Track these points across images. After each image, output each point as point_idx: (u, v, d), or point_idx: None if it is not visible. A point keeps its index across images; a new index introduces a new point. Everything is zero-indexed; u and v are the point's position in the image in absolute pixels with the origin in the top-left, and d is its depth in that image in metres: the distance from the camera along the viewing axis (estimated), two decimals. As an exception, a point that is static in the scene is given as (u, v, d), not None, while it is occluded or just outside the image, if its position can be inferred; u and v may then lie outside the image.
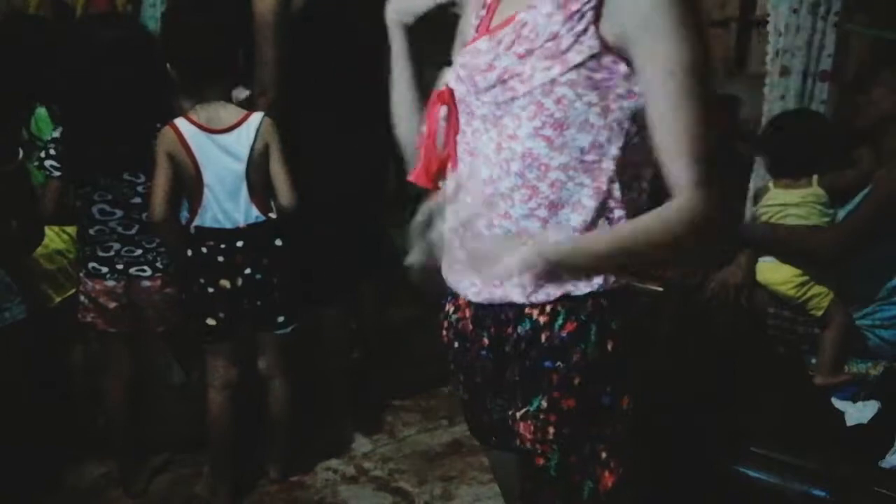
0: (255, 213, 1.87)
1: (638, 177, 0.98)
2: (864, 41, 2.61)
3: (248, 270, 1.89)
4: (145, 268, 1.95)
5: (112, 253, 1.92)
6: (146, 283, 1.95)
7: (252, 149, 1.84)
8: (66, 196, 1.92)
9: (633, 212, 0.97)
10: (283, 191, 1.89)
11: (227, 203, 1.85)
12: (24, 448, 2.05)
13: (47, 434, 2.16)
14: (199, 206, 1.84)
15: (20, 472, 2.05)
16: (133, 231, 1.92)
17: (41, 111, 2.10)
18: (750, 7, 3.86)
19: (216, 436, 2.00)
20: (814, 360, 1.87)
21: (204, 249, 1.86)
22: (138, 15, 3.05)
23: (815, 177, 1.92)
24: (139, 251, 1.94)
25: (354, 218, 2.25)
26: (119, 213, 1.90)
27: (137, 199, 1.90)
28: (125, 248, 1.93)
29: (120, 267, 1.93)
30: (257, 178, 1.87)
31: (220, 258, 1.87)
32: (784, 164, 1.97)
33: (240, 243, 1.87)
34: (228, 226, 1.86)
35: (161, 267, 1.96)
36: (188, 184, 1.84)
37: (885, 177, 1.77)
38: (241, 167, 1.84)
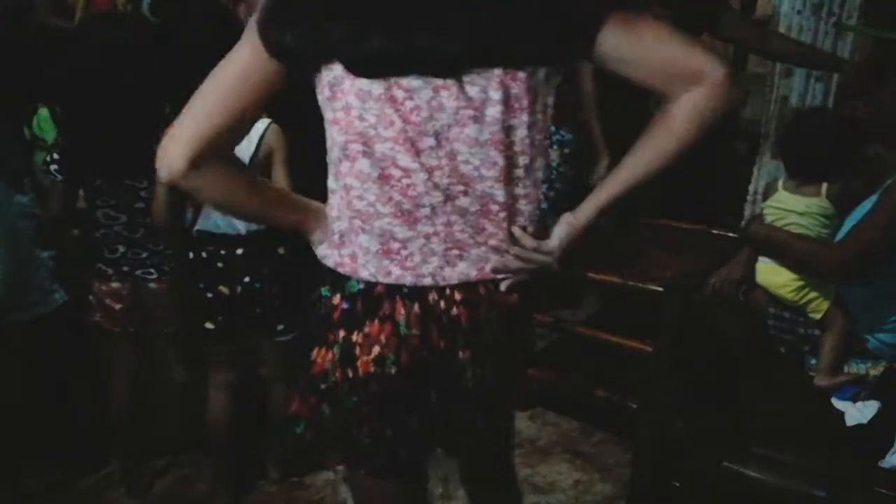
0: (256, 221, 1.85)
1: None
2: (865, 41, 2.60)
3: (247, 279, 1.87)
4: (151, 270, 1.95)
5: (118, 255, 1.92)
6: (152, 286, 1.95)
7: (255, 156, 1.81)
8: (72, 198, 1.91)
9: None
10: None
11: (227, 210, 1.83)
12: (25, 448, 2.05)
13: (48, 434, 2.16)
14: (200, 210, 1.83)
15: (21, 471, 2.06)
16: (138, 234, 1.92)
17: (43, 112, 2.10)
18: (750, 7, 3.86)
19: (216, 436, 2.01)
20: (813, 361, 1.86)
21: (204, 254, 1.86)
22: (138, 15, 3.03)
23: (824, 186, 1.87)
24: (145, 254, 1.93)
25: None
26: (123, 217, 1.90)
27: (140, 205, 1.89)
28: (131, 251, 1.93)
29: (126, 269, 1.93)
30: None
31: (220, 264, 1.86)
32: (799, 165, 1.90)
33: (240, 251, 1.85)
34: (230, 232, 1.84)
35: (167, 269, 1.96)
36: (189, 189, 1.82)
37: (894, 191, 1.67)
38: (242, 175, 1.82)
